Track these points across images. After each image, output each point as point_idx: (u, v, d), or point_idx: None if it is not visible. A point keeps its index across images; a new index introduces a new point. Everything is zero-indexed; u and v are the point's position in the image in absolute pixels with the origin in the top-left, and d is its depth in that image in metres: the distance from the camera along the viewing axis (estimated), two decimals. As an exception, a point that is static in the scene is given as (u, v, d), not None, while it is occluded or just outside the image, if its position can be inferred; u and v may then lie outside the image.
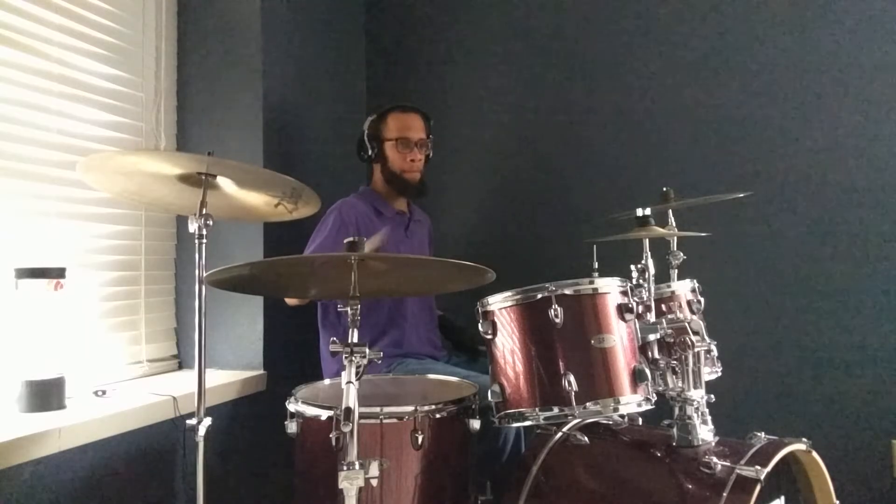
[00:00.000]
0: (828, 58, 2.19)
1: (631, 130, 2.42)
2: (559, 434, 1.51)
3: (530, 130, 2.58)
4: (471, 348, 2.19)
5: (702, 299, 1.81)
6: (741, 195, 1.84)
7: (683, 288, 1.80)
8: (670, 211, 1.78)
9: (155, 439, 1.71)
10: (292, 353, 2.20)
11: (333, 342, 1.24)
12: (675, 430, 1.42)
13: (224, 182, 1.45)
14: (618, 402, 1.43)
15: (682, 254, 1.79)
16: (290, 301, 1.98)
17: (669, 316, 1.54)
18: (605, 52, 2.47)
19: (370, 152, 2.13)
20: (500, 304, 1.52)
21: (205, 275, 1.35)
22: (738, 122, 2.29)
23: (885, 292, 2.11)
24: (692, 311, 1.76)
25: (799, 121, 2.22)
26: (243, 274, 1.34)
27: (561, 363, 1.44)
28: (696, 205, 1.80)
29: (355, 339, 1.25)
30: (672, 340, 1.46)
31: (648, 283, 1.53)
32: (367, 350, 1.23)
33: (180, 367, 2.15)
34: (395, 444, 1.37)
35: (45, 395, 1.55)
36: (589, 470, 1.48)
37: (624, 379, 1.45)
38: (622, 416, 1.61)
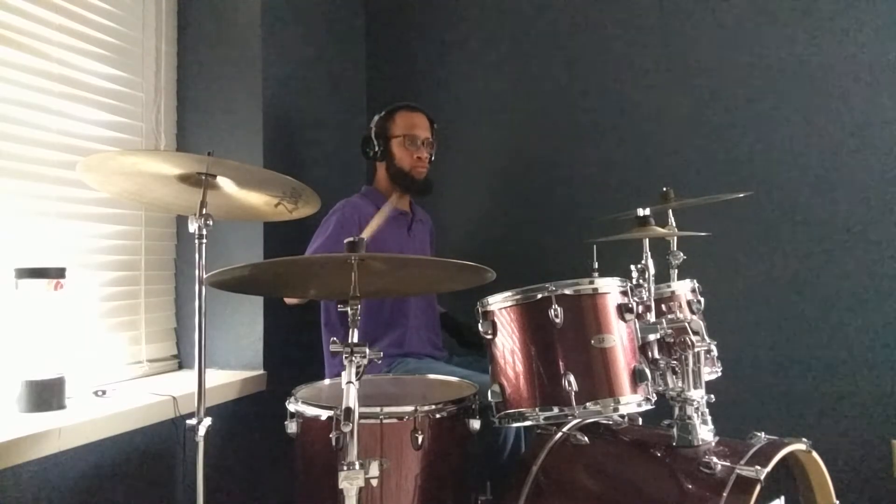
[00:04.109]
0: (828, 57, 2.19)
1: (631, 130, 2.42)
2: (559, 434, 1.51)
3: (530, 130, 2.58)
4: (476, 343, 2.18)
5: (702, 299, 1.81)
6: (741, 195, 1.84)
7: (683, 288, 1.80)
8: (670, 211, 1.78)
9: (155, 439, 1.71)
10: (292, 353, 2.20)
11: (334, 342, 1.23)
12: (675, 430, 1.42)
13: (224, 182, 1.45)
14: (618, 402, 1.43)
15: (682, 254, 1.79)
16: (290, 301, 1.98)
17: (669, 316, 1.54)
18: (606, 51, 2.47)
19: (377, 149, 2.14)
20: (500, 304, 1.52)
21: (205, 275, 1.35)
22: (738, 122, 2.29)
23: (885, 292, 2.11)
24: (692, 311, 1.76)
25: (799, 121, 2.22)
26: (243, 274, 1.34)
27: (561, 363, 1.44)
28: (696, 205, 1.80)
29: (355, 339, 1.25)
30: (672, 340, 1.46)
31: (648, 283, 1.53)
32: (368, 350, 1.23)
33: (180, 367, 2.15)
34: (395, 444, 1.37)
35: (45, 395, 1.55)
36: (589, 470, 1.48)
37: (624, 379, 1.45)
38: (622, 416, 1.61)
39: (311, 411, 1.43)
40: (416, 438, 1.36)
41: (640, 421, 1.63)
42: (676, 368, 1.45)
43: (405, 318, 2.09)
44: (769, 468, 1.23)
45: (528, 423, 1.48)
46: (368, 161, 2.25)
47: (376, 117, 2.17)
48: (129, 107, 2.01)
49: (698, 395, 1.42)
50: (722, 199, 1.88)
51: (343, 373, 1.21)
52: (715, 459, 1.28)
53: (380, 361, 1.28)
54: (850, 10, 2.17)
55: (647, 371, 1.46)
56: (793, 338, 2.21)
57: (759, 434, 1.40)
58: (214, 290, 1.41)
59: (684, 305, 1.77)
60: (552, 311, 1.44)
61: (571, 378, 1.41)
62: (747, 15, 2.29)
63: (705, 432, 1.41)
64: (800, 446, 1.35)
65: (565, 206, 2.49)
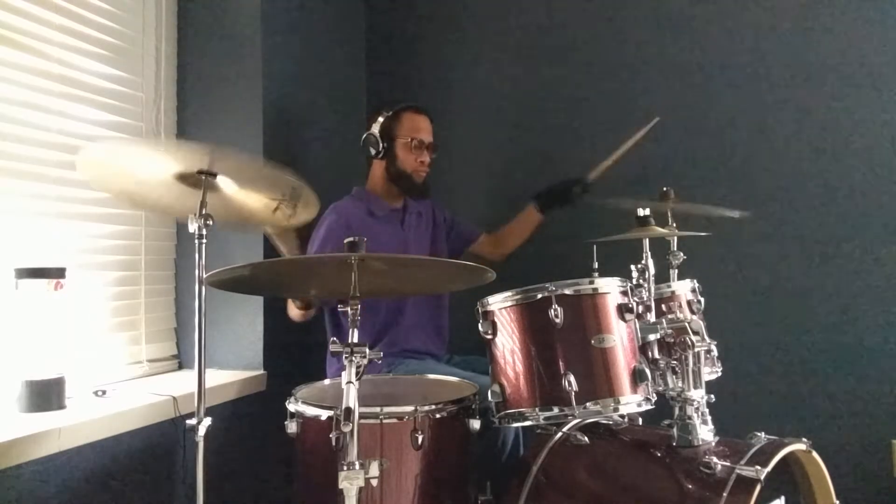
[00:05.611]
0: (829, 60, 2.19)
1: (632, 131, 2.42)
2: (559, 434, 1.51)
3: (530, 130, 2.58)
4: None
5: (702, 299, 1.81)
6: (737, 214, 1.84)
7: (683, 288, 1.80)
8: (670, 211, 1.78)
9: (155, 439, 1.71)
10: (292, 353, 2.20)
11: (334, 342, 1.24)
12: (675, 430, 1.41)
13: (223, 182, 1.44)
14: (618, 402, 1.44)
15: (682, 254, 1.79)
16: (295, 313, 1.95)
17: (669, 316, 1.54)
18: (607, 51, 2.47)
19: (380, 147, 2.13)
20: (500, 304, 1.52)
21: (205, 275, 1.35)
22: (739, 122, 2.29)
23: (885, 292, 2.11)
24: (692, 311, 1.76)
25: (799, 122, 2.22)
26: (243, 274, 1.34)
27: (561, 363, 1.44)
28: (696, 210, 1.80)
29: (355, 339, 1.25)
30: (672, 340, 1.46)
31: (648, 283, 1.53)
32: (368, 350, 1.23)
33: (180, 367, 2.15)
34: (395, 444, 1.37)
35: (45, 395, 1.55)
36: (589, 470, 1.48)
37: (624, 379, 1.45)
38: (622, 416, 1.60)
39: (311, 411, 1.43)
40: (416, 438, 1.36)
41: (640, 421, 1.63)
42: (676, 368, 1.45)
43: (401, 316, 2.08)
44: (769, 468, 1.23)
45: (528, 423, 1.48)
46: (368, 159, 2.24)
47: (382, 116, 2.15)
48: (129, 107, 2.01)
49: (698, 395, 1.42)
50: (721, 200, 1.88)
51: (343, 373, 1.21)
52: (715, 459, 1.28)
53: (379, 361, 1.28)
54: (852, 12, 2.17)
55: (647, 371, 1.46)
56: (793, 338, 2.21)
57: (759, 434, 1.40)
58: (214, 290, 1.41)
59: (684, 305, 1.77)
60: (552, 311, 1.44)
61: (571, 378, 1.41)
62: (749, 16, 2.29)
63: (705, 432, 1.41)
64: (800, 446, 1.35)
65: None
